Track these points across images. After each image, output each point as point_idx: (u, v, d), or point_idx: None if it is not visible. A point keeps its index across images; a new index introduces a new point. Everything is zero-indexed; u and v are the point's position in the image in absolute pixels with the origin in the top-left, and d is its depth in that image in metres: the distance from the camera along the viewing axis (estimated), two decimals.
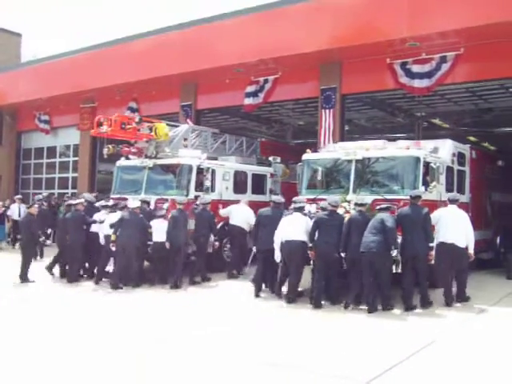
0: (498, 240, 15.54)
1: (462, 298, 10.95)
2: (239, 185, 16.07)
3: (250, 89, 19.15)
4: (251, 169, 16.84)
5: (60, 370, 6.75)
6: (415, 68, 15.88)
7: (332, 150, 13.20)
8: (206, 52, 18.48)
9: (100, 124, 13.96)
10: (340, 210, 11.17)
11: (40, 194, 22.81)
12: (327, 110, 17.44)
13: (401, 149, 12.14)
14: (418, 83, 15.90)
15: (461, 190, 13.44)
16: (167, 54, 19.53)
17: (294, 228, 11.02)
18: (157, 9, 77.29)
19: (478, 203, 14.71)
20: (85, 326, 9.13)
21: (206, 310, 10.64)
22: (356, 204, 11.03)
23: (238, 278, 14.08)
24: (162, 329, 9.07)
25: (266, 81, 18.82)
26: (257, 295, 11.76)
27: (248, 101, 19.27)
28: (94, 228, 13.87)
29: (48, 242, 19.75)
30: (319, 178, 13.24)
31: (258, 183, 16.87)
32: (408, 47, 15.49)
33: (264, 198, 16.48)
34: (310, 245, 10.88)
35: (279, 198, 12.80)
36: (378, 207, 10.77)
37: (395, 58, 16.11)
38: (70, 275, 13.58)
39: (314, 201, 12.15)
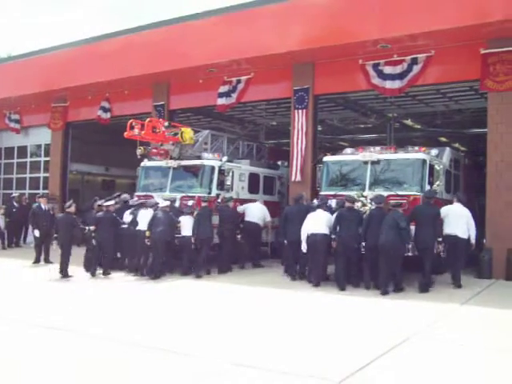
0: (483, 239, 16.10)
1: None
2: (253, 185, 17.61)
3: (223, 89, 19.13)
4: (263, 171, 18.41)
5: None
6: (387, 69, 16.03)
7: (350, 153, 14.73)
8: (178, 52, 18.43)
9: (131, 127, 15.06)
10: (358, 204, 13.06)
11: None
12: (300, 111, 17.52)
13: (410, 152, 14.00)
14: (389, 84, 16.07)
15: (456, 191, 15.40)
16: (139, 54, 19.39)
17: (317, 223, 12.74)
18: (130, 8, 76.83)
19: (469, 204, 15.14)
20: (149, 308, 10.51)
21: (242, 293, 12.18)
22: (375, 202, 12.59)
23: (264, 267, 15.93)
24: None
25: (238, 81, 18.82)
26: (293, 279, 13.60)
27: (221, 101, 19.25)
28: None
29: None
30: (339, 176, 14.71)
31: (269, 184, 18.57)
32: (380, 49, 15.65)
33: (273, 198, 18.55)
34: (333, 236, 12.56)
35: (302, 196, 14.70)
36: (391, 202, 12.68)
37: (367, 60, 16.24)
38: (105, 268, 14.37)
39: (334, 196, 13.90)
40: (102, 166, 27.69)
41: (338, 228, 12.58)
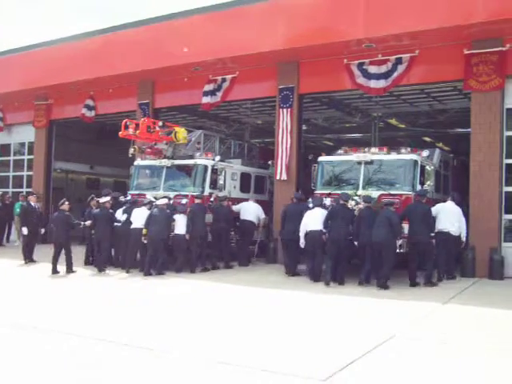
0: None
1: (452, 275, 13.76)
2: (244, 184, 18.08)
3: (208, 87, 19.10)
4: (254, 171, 18.96)
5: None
6: (372, 69, 16.09)
7: (344, 154, 15.19)
8: (163, 50, 18.36)
9: (126, 127, 15.23)
10: (352, 202, 13.53)
11: None
12: (285, 110, 17.53)
13: (402, 153, 14.45)
14: (374, 84, 16.13)
15: (445, 191, 16.43)
16: (124, 52, 19.31)
17: (314, 220, 13.34)
18: (111, 8, 76.46)
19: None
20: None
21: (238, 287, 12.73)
22: (364, 201, 13.16)
23: (249, 266, 16.29)
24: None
25: (223, 80, 18.80)
26: (288, 273, 14.27)
27: (206, 99, 19.21)
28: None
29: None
30: (333, 176, 15.16)
31: (259, 184, 19.10)
32: (365, 48, 15.70)
33: (263, 197, 18.92)
34: (324, 231, 13.14)
35: (300, 195, 15.25)
36: (384, 201, 13.14)
37: (352, 59, 16.29)
38: (99, 264, 14.80)
39: (328, 195, 14.37)
40: (86, 165, 27.54)
41: (329, 223, 13.11)
